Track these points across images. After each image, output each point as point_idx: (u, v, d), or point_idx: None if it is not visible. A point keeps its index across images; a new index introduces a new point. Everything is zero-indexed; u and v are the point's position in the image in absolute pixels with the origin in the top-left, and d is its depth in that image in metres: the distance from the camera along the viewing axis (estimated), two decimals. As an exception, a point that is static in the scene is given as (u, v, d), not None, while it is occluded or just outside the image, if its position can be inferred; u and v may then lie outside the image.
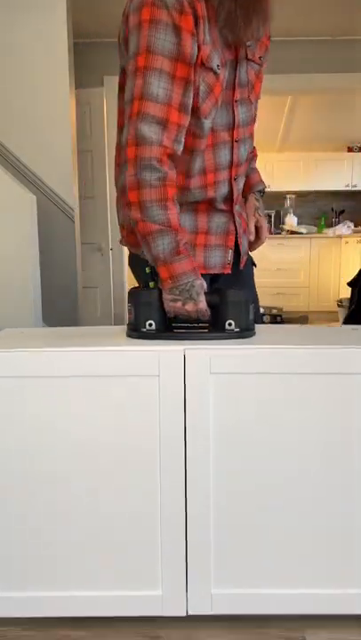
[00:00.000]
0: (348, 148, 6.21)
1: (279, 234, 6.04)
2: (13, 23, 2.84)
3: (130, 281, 4.42)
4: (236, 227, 1.35)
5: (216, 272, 1.34)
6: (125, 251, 4.26)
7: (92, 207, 3.97)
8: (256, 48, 1.27)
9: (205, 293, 1.14)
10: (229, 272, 1.35)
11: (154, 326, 1.13)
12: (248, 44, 1.24)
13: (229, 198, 1.31)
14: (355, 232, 5.86)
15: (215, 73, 1.18)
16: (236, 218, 1.36)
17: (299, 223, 6.26)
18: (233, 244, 1.35)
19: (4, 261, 2.18)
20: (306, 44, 3.87)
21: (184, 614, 1.10)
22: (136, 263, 1.35)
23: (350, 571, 1.10)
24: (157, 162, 1.12)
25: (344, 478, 1.07)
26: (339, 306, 5.07)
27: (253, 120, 1.32)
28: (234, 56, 1.22)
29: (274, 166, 6.12)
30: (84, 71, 3.70)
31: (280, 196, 6.39)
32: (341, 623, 1.13)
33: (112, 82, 3.78)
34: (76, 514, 1.08)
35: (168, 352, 1.03)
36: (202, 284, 1.14)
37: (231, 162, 1.28)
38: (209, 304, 1.14)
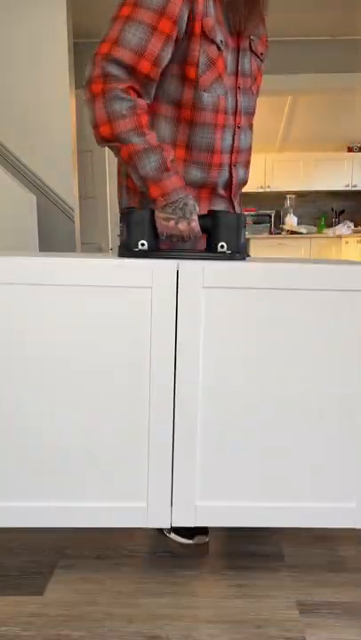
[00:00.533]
0: (349, 148, 6.21)
1: (279, 234, 6.03)
2: (13, 23, 2.84)
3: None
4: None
5: None
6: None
7: (92, 207, 3.97)
8: (258, 44, 1.32)
9: (198, 217, 1.14)
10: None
11: (146, 246, 1.12)
12: (252, 37, 1.28)
13: (229, 185, 1.32)
14: (355, 232, 5.86)
15: (218, 48, 1.19)
16: (236, 206, 1.37)
17: (299, 223, 6.26)
18: None
19: (4, 261, 2.18)
20: (306, 43, 3.87)
21: (168, 526, 1.15)
22: None
23: (341, 484, 1.15)
24: (124, 92, 1.12)
25: (338, 395, 1.10)
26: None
27: (254, 112, 1.35)
28: (236, 44, 1.25)
29: (274, 166, 6.11)
30: (84, 71, 3.70)
31: (280, 196, 6.40)
32: (342, 623, 1.13)
33: (112, 82, 3.76)
34: (63, 424, 1.11)
35: (161, 264, 1.04)
36: (194, 204, 1.14)
37: (232, 147, 1.30)
38: (201, 228, 1.14)
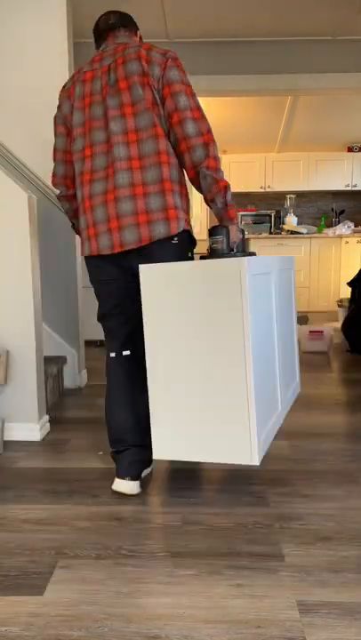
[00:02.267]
0: (349, 148, 6.20)
1: (279, 234, 6.03)
2: (13, 23, 2.84)
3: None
4: None
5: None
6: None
7: (92, 207, 3.97)
8: None
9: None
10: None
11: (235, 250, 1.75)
12: None
13: None
14: (355, 232, 5.86)
15: None
16: None
17: (299, 223, 6.25)
18: None
19: (4, 261, 2.18)
20: (306, 43, 3.87)
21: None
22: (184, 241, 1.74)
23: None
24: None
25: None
26: (339, 306, 5.06)
27: None
28: None
29: (274, 166, 6.11)
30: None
31: (280, 196, 6.39)
32: (342, 623, 1.13)
33: (112, 82, 3.77)
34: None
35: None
36: None
37: None
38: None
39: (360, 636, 1.10)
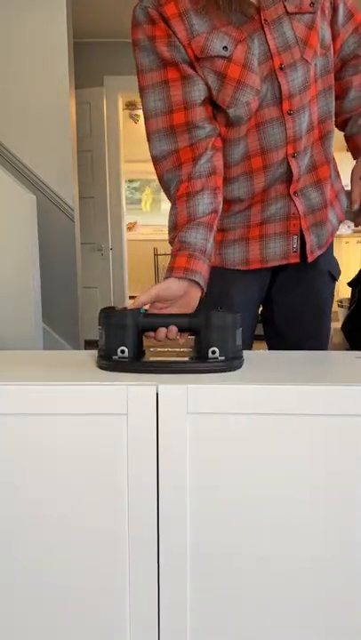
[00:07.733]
0: (349, 148, 6.21)
1: (279, 234, 6.03)
2: (13, 23, 2.84)
3: (130, 281, 4.41)
4: (298, 210, 1.26)
5: (277, 263, 1.23)
6: (125, 251, 4.26)
7: (92, 207, 3.98)
8: None
9: (189, 315, 0.97)
10: (297, 261, 1.23)
11: (127, 353, 0.92)
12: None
13: (286, 179, 1.22)
14: (355, 232, 5.86)
15: (222, 57, 1.11)
16: (300, 200, 1.25)
17: (299, 223, 6.26)
18: (298, 229, 1.24)
19: (4, 261, 2.18)
20: (306, 44, 3.87)
21: None
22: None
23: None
24: (170, 173, 1.12)
25: (344, 543, 0.82)
26: (339, 306, 5.06)
27: (316, 80, 1.20)
28: (258, 26, 1.12)
29: (274, 166, 6.11)
30: (84, 71, 3.70)
31: (280, 196, 6.39)
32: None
33: (112, 82, 3.77)
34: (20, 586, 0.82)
35: (138, 387, 0.82)
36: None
37: (286, 138, 1.18)
38: (190, 327, 0.95)
39: (360, 635, 1.10)
